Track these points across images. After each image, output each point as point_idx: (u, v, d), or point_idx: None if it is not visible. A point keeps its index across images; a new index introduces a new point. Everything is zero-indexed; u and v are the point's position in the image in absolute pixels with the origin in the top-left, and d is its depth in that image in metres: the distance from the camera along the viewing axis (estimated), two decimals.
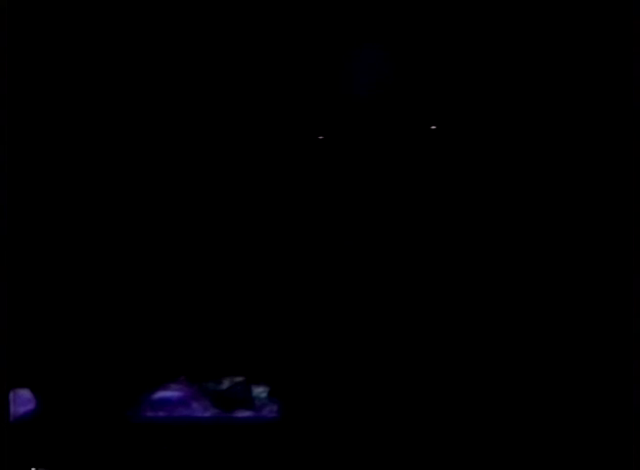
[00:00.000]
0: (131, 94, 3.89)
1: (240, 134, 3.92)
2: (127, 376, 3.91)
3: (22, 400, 3.75)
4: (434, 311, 3.92)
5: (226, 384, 3.86)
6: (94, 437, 3.65)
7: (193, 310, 4.00)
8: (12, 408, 3.61)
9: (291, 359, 3.94)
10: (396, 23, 3.71)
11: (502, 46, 3.70)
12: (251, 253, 4.01)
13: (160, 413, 3.78)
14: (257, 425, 3.73)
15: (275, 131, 3.88)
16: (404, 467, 3.34)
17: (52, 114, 3.86)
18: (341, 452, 3.45)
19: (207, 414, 3.79)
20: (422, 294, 3.91)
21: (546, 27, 3.70)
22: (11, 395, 3.61)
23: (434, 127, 3.62)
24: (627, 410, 3.39)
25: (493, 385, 3.75)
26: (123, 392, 3.86)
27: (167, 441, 3.61)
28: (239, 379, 3.87)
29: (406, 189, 3.85)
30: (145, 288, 4.00)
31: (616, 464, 3.25)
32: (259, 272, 4.00)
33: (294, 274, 4.00)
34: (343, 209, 3.92)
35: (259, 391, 3.87)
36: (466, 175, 3.83)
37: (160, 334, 3.98)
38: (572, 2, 3.66)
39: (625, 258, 3.63)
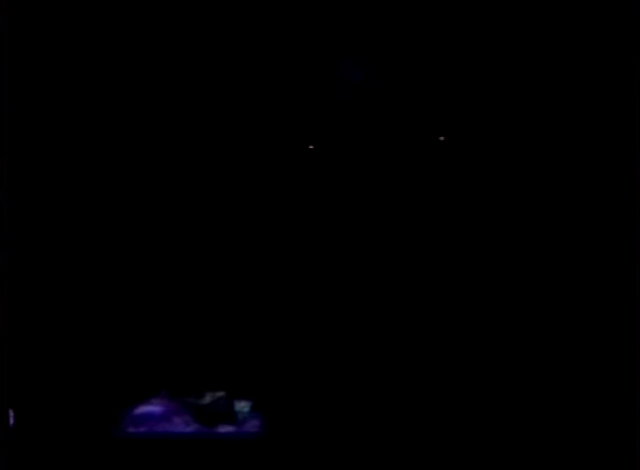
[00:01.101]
0: (115, 100, 3.85)
1: (229, 143, 3.89)
2: (107, 391, 3.87)
3: None
4: (428, 324, 3.90)
5: (208, 398, 3.83)
6: (74, 453, 3.60)
7: (173, 325, 3.97)
8: None
9: (274, 373, 3.91)
10: (388, 28, 3.70)
11: (502, 50, 3.69)
12: (231, 263, 3.97)
13: (142, 429, 3.75)
14: (240, 440, 3.70)
15: (265, 140, 3.85)
16: None
17: (51, 113, 3.80)
18: (326, 468, 3.42)
19: (189, 429, 3.76)
20: (414, 306, 3.89)
21: (549, 30, 3.69)
22: None
23: (442, 138, 3.58)
24: (629, 411, 3.39)
25: (494, 391, 3.74)
26: (104, 407, 3.82)
27: (149, 456, 3.57)
28: (220, 393, 3.84)
29: (400, 198, 3.83)
30: (123, 303, 3.95)
31: (616, 464, 3.28)
32: (240, 284, 3.97)
33: (276, 285, 3.97)
34: (334, 221, 3.90)
35: (242, 405, 3.84)
36: (464, 181, 3.82)
37: (140, 348, 3.94)
38: (573, 6, 3.65)
39: (629, 265, 3.63)
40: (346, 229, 3.94)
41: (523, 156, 3.80)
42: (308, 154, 3.88)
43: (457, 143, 3.78)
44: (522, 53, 3.72)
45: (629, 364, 3.52)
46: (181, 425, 3.76)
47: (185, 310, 3.95)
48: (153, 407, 3.80)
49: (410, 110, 3.76)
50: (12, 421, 3.74)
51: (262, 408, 3.82)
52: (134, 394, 3.83)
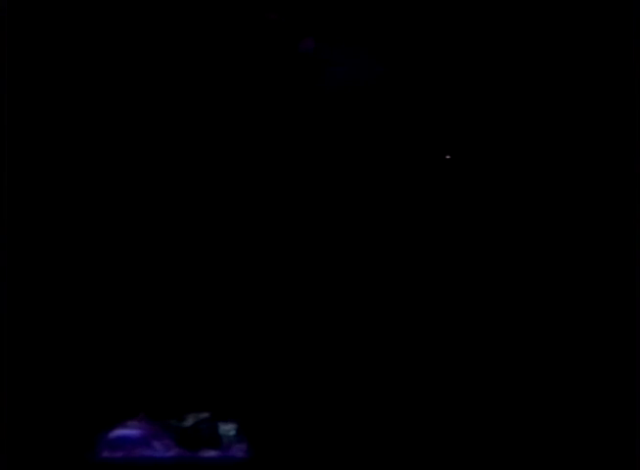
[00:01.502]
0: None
1: (225, 132, 3.68)
2: (80, 412, 3.58)
3: None
4: (424, 332, 3.72)
5: (190, 421, 3.57)
6: None
7: (151, 342, 3.70)
8: None
9: (261, 393, 3.67)
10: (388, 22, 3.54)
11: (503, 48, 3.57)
12: (214, 271, 3.74)
13: (119, 453, 3.47)
14: (225, 465, 3.46)
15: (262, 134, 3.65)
16: None
17: (51, 113, 3.57)
18: None
19: (170, 454, 3.49)
20: (404, 315, 3.71)
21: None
22: None
23: (448, 157, 3.43)
24: (629, 411, 3.34)
25: (493, 393, 3.58)
26: (76, 430, 3.53)
27: None
28: (204, 415, 3.58)
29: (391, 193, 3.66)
30: (97, 317, 3.68)
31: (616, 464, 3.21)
32: (223, 296, 3.73)
33: (261, 299, 3.74)
34: (325, 236, 3.71)
35: (227, 428, 3.58)
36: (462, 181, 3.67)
37: (115, 366, 3.66)
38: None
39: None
40: (340, 240, 3.74)
41: (524, 159, 3.68)
42: (299, 152, 3.68)
43: (455, 140, 3.63)
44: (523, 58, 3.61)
45: (629, 364, 3.45)
46: (161, 449, 3.50)
47: (165, 326, 3.69)
48: (130, 430, 3.53)
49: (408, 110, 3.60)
50: None
51: (249, 431, 3.58)
52: (109, 415, 3.56)
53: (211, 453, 3.51)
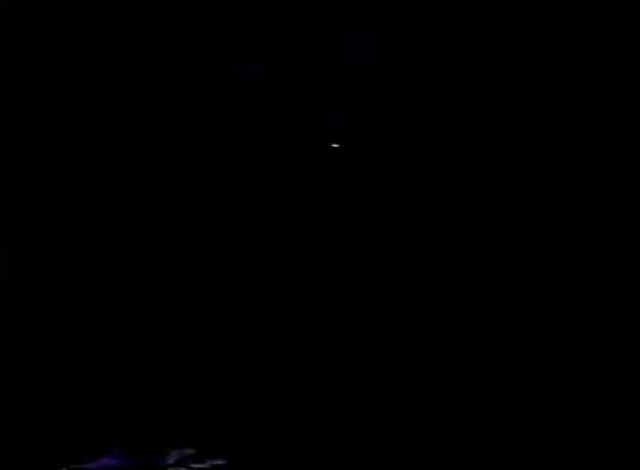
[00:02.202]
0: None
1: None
2: (50, 447, 3.14)
3: None
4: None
5: (174, 457, 3.17)
6: None
7: (130, 368, 3.32)
8: None
9: (252, 425, 3.30)
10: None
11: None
12: (198, 293, 3.41)
13: None
14: None
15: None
16: None
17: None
18: None
19: None
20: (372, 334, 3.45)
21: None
22: None
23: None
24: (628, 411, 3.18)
25: (492, 396, 3.35)
26: (42, 466, 3.09)
27: None
28: (189, 451, 3.19)
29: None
30: (68, 338, 3.29)
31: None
32: (208, 318, 3.40)
33: (246, 320, 3.42)
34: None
35: (216, 464, 3.19)
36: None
37: (89, 396, 3.26)
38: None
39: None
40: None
41: (524, 159, 3.52)
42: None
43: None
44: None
45: (629, 364, 3.30)
46: None
47: (143, 350, 3.32)
48: (105, 468, 3.11)
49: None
50: None
51: (240, 468, 3.19)
52: (80, 451, 3.13)
53: None
